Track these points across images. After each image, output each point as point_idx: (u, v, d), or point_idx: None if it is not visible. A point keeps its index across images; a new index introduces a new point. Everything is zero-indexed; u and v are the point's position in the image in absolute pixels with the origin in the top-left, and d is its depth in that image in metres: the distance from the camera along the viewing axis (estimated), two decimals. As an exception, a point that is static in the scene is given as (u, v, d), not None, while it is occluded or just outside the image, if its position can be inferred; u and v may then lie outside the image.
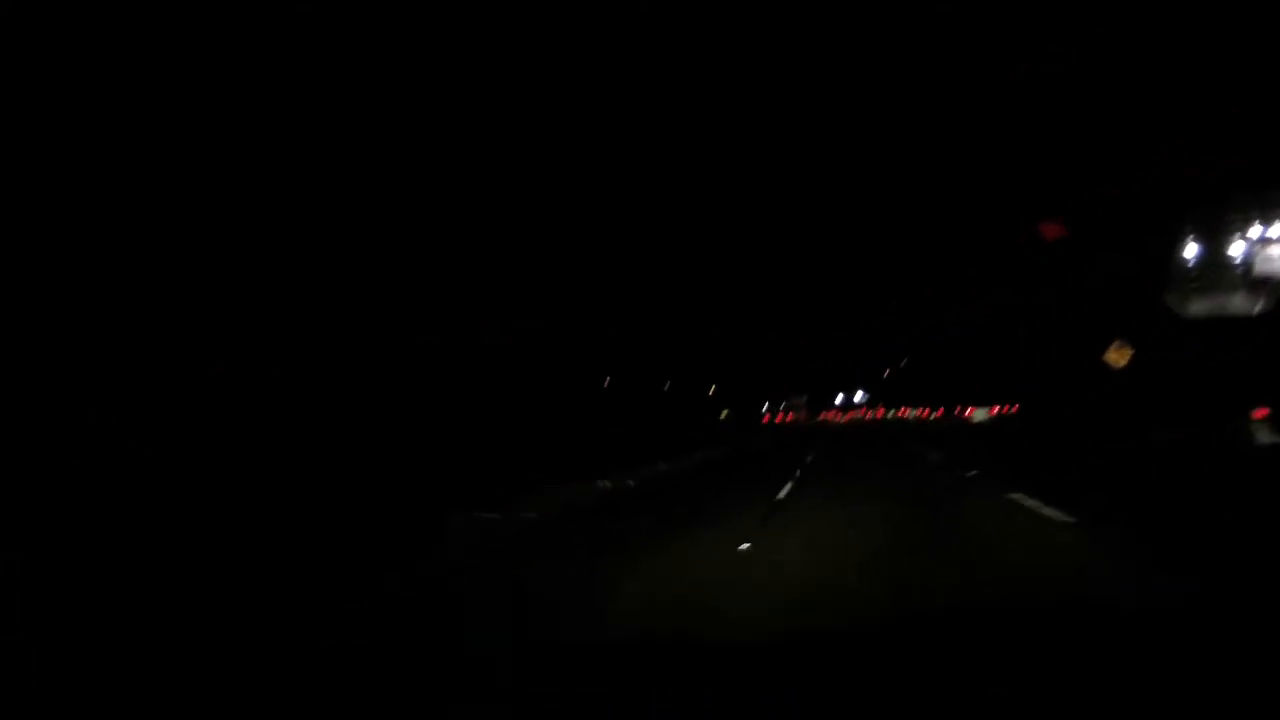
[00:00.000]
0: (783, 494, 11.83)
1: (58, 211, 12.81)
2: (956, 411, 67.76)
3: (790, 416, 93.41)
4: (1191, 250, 23.12)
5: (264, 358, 12.89)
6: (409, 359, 16.94)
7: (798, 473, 16.32)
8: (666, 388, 51.26)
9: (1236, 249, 22.14)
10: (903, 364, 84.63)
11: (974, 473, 15.21)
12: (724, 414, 76.24)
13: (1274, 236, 21.60)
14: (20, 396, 7.93)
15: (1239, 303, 21.50)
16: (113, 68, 13.65)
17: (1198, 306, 22.23)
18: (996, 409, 50.58)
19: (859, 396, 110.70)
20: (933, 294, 49.62)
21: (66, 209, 12.99)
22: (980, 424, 50.40)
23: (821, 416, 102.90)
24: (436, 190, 23.86)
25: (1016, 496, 10.10)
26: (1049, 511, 8.46)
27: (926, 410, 79.66)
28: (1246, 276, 21.51)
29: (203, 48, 15.37)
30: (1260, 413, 16.91)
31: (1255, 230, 21.95)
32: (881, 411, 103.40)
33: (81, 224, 13.17)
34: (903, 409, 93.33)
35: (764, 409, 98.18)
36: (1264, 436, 16.41)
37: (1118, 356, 23.00)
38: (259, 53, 16.66)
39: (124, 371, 10.06)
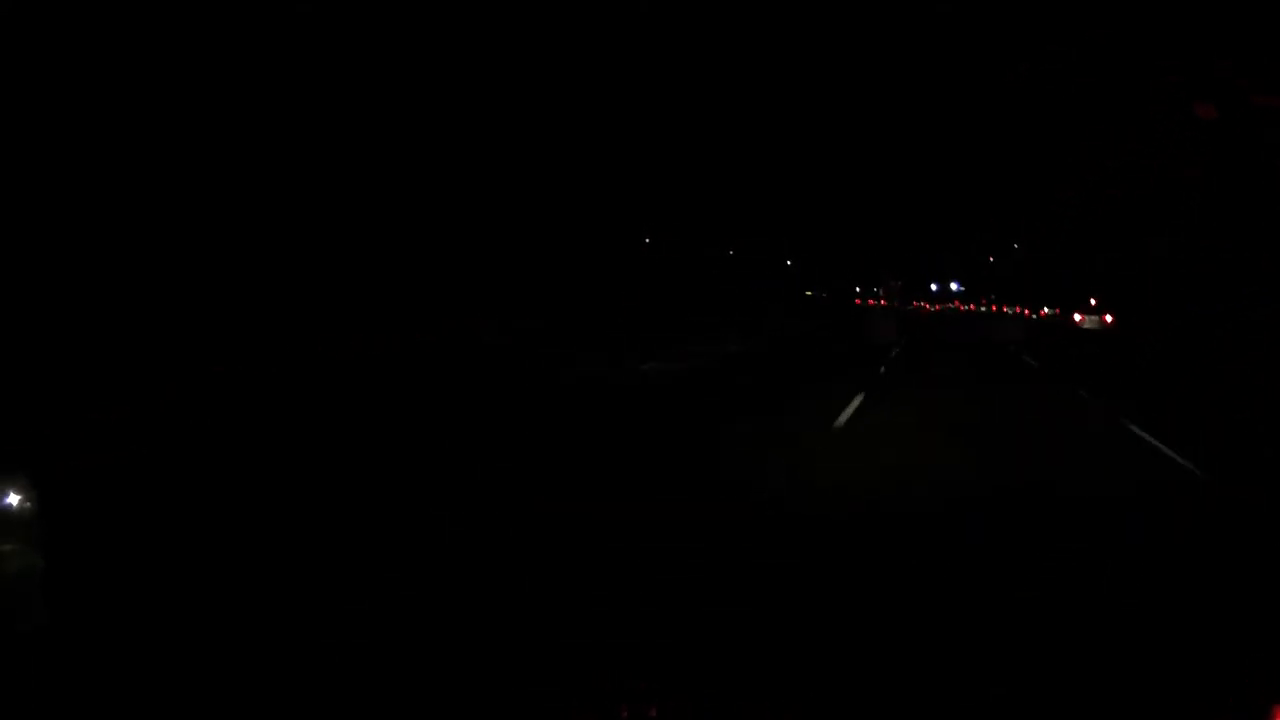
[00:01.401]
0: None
1: (59, 212, 12.81)
2: (1058, 313, 58.17)
3: (883, 302, 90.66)
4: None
5: (264, 358, 12.90)
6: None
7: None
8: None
9: None
10: (1014, 247, 76.58)
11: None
12: (809, 293, 74.24)
13: None
14: (20, 397, 7.93)
15: None
16: (114, 68, 13.66)
17: None
18: (1110, 317, 44.48)
19: (955, 286, 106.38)
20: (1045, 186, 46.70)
21: (67, 210, 13.00)
22: (1090, 331, 43.15)
23: (914, 304, 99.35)
24: (436, 190, 23.90)
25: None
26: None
27: (1027, 309, 71.35)
28: None
29: (203, 48, 15.40)
30: None
31: None
32: (974, 306, 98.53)
33: (82, 225, 13.18)
34: (1000, 304, 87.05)
35: (856, 291, 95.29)
36: None
37: None
38: (259, 53, 16.69)
39: (124, 371, 10.07)
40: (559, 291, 28.84)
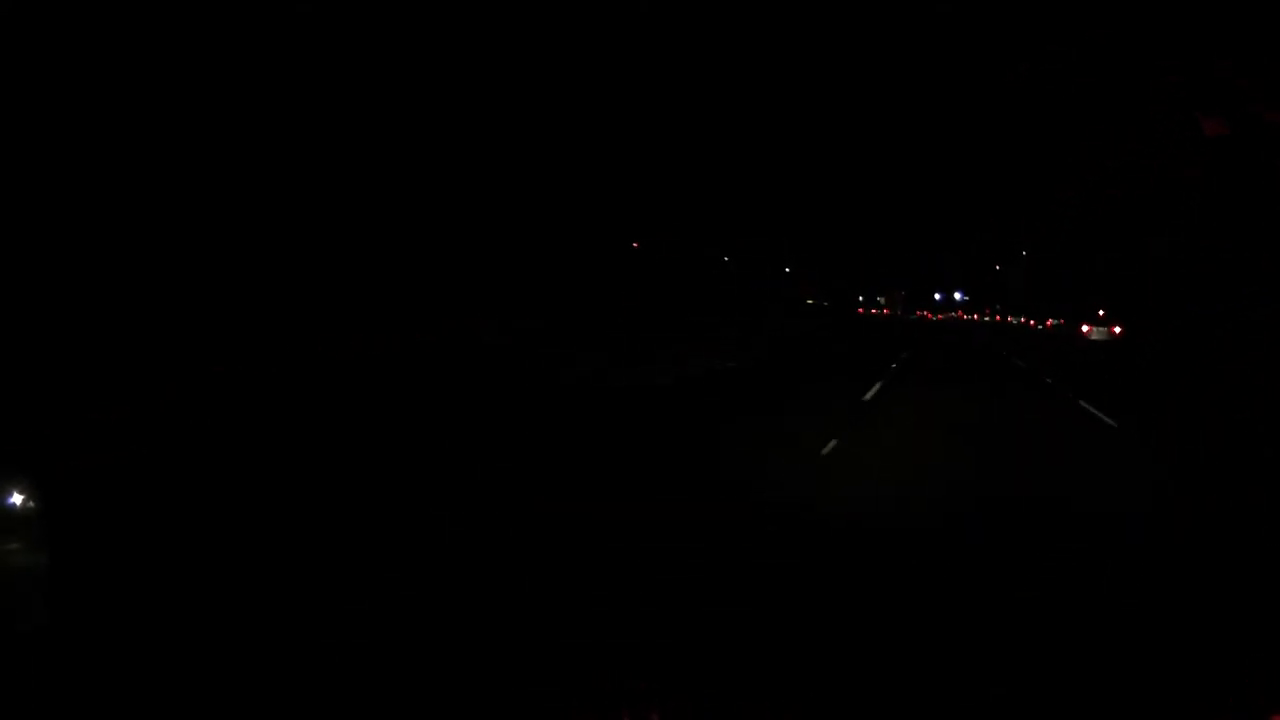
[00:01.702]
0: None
1: (59, 212, 12.81)
2: (1064, 323, 56.27)
3: (885, 311, 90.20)
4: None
5: (264, 358, 12.89)
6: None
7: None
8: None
9: None
10: (1022, 253, 75.47)
11: None
12: (809, 301, 75.35)
13: None
14: (22, 397, 7.93)
15: None
16: (114, 68, 13.66)
17: None
18: (1119, 328, 42.55)
19: (958, 295, 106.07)
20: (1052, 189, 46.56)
21: (68, 210, 13.00)
22: (1099, 343, 41.19)
23: (917, 313, 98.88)
24: (436, 190, 23.91)
25: None
26: None
27: (1033, 320, 70.08)
28: None
29: (204, 47, 15.39)
30: None
31: None
32: (977, 316, 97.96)
33: (83, 225, 13.18)
34: (1005, 315, 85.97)
35: (859, 300, 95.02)
36: None
37: None
38: (260, 53, 16.69)
39: (124, 371, 10.06)
40: (559, 292, 28.85)
